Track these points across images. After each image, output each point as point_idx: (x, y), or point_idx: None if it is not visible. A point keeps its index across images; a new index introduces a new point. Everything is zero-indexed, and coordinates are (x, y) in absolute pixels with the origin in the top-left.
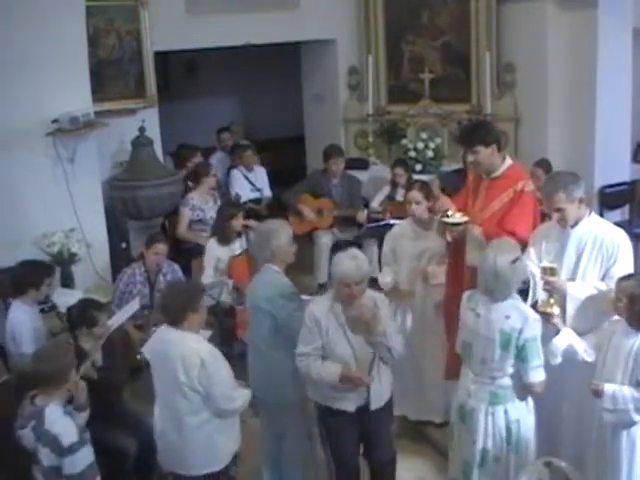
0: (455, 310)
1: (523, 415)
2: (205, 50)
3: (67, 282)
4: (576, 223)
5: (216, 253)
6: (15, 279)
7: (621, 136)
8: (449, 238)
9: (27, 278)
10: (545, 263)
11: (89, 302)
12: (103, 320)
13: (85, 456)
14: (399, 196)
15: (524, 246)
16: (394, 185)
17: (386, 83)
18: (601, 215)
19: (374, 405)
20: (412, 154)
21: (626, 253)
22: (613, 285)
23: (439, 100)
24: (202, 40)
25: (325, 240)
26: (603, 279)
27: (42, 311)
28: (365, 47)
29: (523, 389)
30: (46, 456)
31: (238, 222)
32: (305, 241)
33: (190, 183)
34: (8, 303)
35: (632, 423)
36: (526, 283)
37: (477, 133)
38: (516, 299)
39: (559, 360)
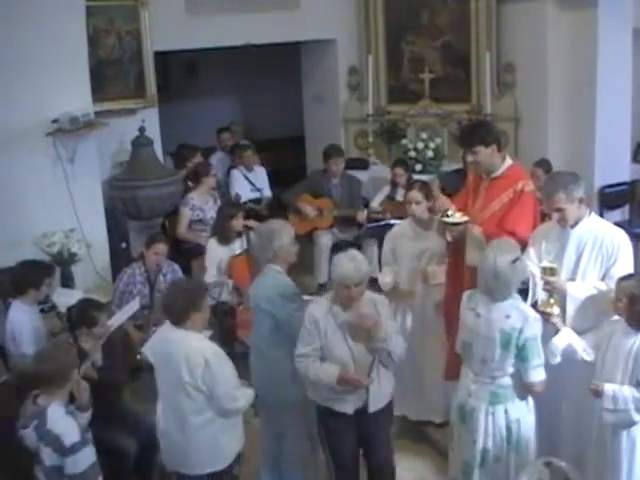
0: (455, 310)
1: (523, 415)
2: (205, 50)
3: (67, 282)
4: (576, 223)
5: (217, 253)
6: (15, 279)
7: (621, 136)
8: (449, 238)
9: (27, 278)
10: (545, 263)
11: (89, 302)
12: (103, 320)
13: (87, 456)
14: (399, 196)
15: (524, 246)
16: (394, 185)
17: (386, 83)
18: (601, 215)
19: (372, 407)
20: (412, 154)
21: (626, 253)
22: (613, 285)
23: (439, 100)
24: (202, 40)
25: (325, 240)
26: (603, 279)
27: (42, 311)
28: (365, 47)
29: (523, 389)
30: (48, 456)
31: (238, 222)
32: (305, 241)
33: (190, 183)
34: (8, 303)
35: (632, 423)
36: (526, 283)
37: (477, 133)
38: (516, 299)
39: (558, 359)
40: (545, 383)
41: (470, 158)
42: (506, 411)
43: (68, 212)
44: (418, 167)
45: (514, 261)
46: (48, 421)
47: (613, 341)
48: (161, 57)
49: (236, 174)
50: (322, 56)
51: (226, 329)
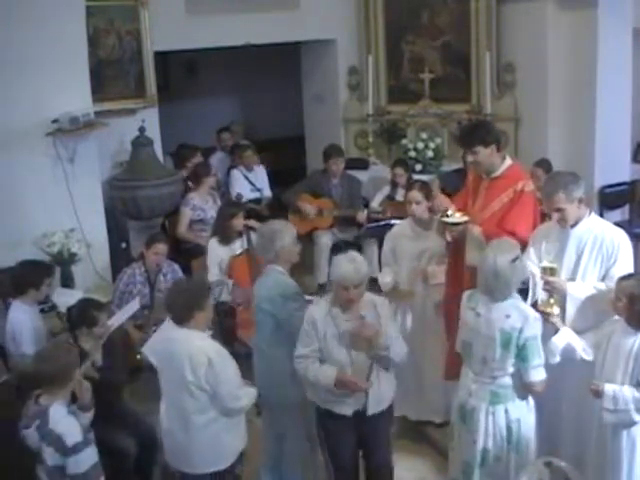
0: (455, 310)
1: (524, 414)
2: (205, 50)
3: (67, 282)
4: (576, 223)
5: (217, 253)
6: (15, 279)
7: (621, 136)
8: (448, 238)
9: (27, 278)
10: (545, 263)
11: (89, 302)
12: (103, 320)
13: (89, 456)
14: (399, 196)
15: (524, 246)
16: (394, 185)
17: (386, 83)
18: (601, 215)
19: (371, 410)
20: (412, 154)
21: (626, 253)
22: (613, 285)
23: (439, 100)
24: (202, 40)
25: (325, 240)
26: (603, 279)
27: (42, 311)
28: (365, 47)
29: (524, 388)
30: (50, 455)
31: (239, 222)
32: (305, 241)
33: (190, 183)
34: (8, 303)
35: (632, 423)
36: (526, 283)
37: (477, 133)
38: (516, 298)
39: (558, 359)
40: (545, 383)
41: (470, 158)
42: (506, 411)
43: (68, 212)
44: (418, 167)
45: (514, 261)
46: (50, 421)
47: (613, 341)
48: (161, 57)
49: (236, 174)
50: (322, 56)
51: (226, 329)
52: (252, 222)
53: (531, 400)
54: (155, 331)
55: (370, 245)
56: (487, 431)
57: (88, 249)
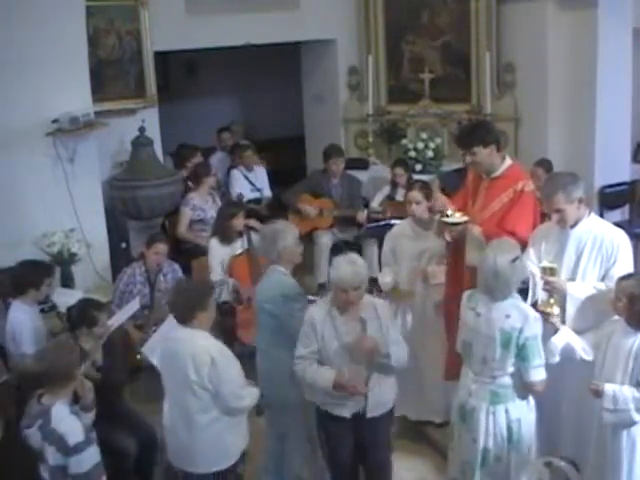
0: (455, 310)
1: (524, 414)
2: (205, 50)
3: (67, 282)
4: (576, 223)
5: (218, 253)
6: (15, 279)
7: (621, 136)
8: (448, 238)
9: (27, 278)
10: (545, 263)
11: (89, 302)
12: (103, 320)
13: (91, 456)
14: (399, 196)
15: (524, 246)
16: (394, 185)
17: (386, 83)
18: (601, 215)
19: (371, 413)
20: (412, 154)
21: (626, 253)
22: (613, 285)
23: (439, 100)
24: (202, 40)
25: (325, 240)
26: (603, 279)
27: (42, 311)
28: (365, 47)
29: (524, 388)
30: (52, 455)
31: (239, 221)
32: (305, 241)
33: (190, 183)
34: (8, 303)
35: (632, 423)
36: (526, 283)
37: (476, 133)
38: (516, 298)
39: (557, 359)
40: (545, 383)
41: (469, 158)
42: (507, 411)
43: (68, 212)
44: (418, 167)
45: (514, 261)
46: (52, 420)
47: (613, 341)
48: (161, 57)
49: (236, 174)
50: (322, 56)
51: (226, 329)
52: (252, 222)
53: (531, 400)
54: (155, 331)
55: (370, 245)
56: (487, 431)
57: (88, 249)
